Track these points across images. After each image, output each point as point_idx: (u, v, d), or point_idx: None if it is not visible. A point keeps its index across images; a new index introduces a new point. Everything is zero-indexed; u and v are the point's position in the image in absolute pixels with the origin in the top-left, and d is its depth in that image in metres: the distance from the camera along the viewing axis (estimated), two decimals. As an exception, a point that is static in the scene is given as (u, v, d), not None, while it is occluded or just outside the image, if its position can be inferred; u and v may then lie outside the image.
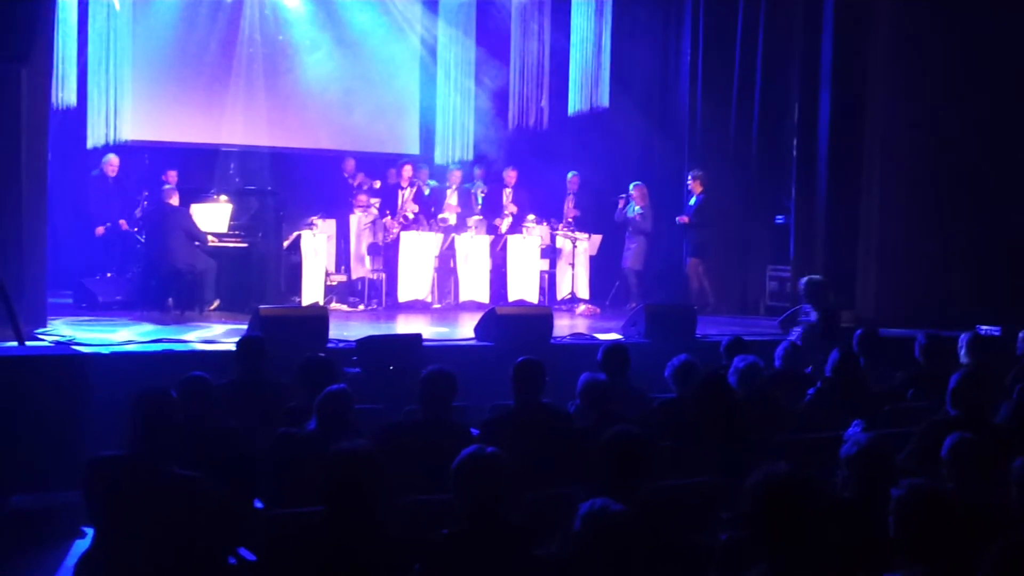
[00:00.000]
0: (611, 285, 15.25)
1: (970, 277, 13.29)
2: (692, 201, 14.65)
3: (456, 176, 15.24)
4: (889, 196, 13.54)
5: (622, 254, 15.04)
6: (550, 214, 15.12)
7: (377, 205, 14.43)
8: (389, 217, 14.17)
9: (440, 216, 14.56)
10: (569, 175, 15.42)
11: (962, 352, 8.56)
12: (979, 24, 13.12)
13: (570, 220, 15.03)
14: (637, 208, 14.78)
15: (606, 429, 4.84)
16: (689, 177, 14.76)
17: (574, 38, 16.08)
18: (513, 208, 14.91)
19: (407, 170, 14.57)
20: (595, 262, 15.10)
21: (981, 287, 13.13)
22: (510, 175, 15.23)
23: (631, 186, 14.88)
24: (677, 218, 14.76)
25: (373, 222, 14.23)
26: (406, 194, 14.43)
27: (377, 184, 15.00)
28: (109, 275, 13.23)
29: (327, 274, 13.79)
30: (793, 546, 3.68)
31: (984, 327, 11.16)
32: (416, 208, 14.33)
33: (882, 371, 8.55)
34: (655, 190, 15.27)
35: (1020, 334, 9.16)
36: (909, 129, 13.50)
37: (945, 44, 13.25)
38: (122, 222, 13.42)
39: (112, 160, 13.68)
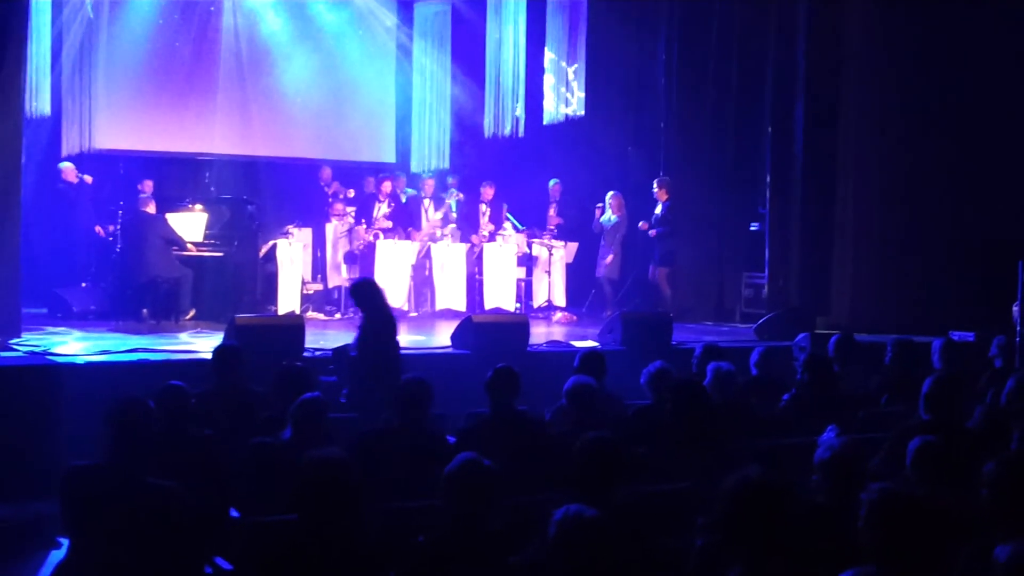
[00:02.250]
0: (588, 293, 15.25)
1: (944, 283, 13.40)
2: (658, 209, 14.50)
3: (430, 185, 15.23)
4: (863, 203, 13.64)
5: (596, 263, 14.92)
6: (528, 223, 15.13)
7: (353, 214, 14.41)
8: (364, 225, 14.15)
9: (424, 232, 14.54)
10: (551, 183, 15.41)
11: (935, 357, 8.64)
12: (953, 31, 13.23)
13: (552, 228, 15.01)
14: (613, 217, 14.72)
15: (583, 435, 4.86)
16: (655, 184, 14.58)
17: (549, 46, 16.11)
18: (490, 227, 14.86)
19: (386, 185, 14.49)
20: (572, 270, 15.12)
21: (955, 293, 13.23)
22: (487, 191, 15.17)
23: (608, 195, 14.83)
24: (640, 224, 14.59)
25: (349, 230, 14.21)
26: (382, 208, 14.38)
27: (351, 193, 14.98)
28: (84, 285, 13.18)
29: (303, 283, 13.76)
30: (766, 550, 3.71)
31: (957, 333, 11.24)
32: (390, 224, 14.26)
33: (856, 376, 8.60)
34: (631, 199, 15.30)
35: (995, 340, 9.25)
36: (883, 137, 13.61)
37: (918, 51, 13.37)
38: (98, 228, 13.37)
39: (67, 167, 13.61)
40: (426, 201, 15.07)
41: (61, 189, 13.56)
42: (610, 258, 14.68)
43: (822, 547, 4.24)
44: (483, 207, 15.07)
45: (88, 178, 13.73)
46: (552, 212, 15.26)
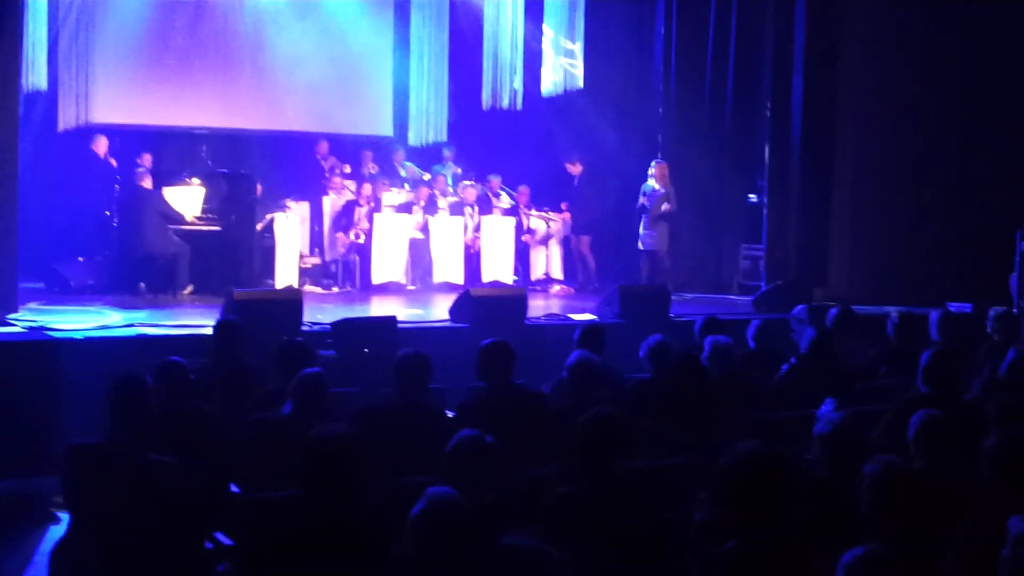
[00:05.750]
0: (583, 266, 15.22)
1: (941, 255, 13.40)
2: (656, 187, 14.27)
3: (471, 193, 14.85)
4: (861, 175, 13.63)
5: (639, 236, 14.30)
6: (534, 200, 15.08)
7: (352, 188, 14.38)
8: (365, 207, 14.02)
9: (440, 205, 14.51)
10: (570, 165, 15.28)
11: (933, 329, 8.64)
12: (954, 5, 13.18)
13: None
14: (658, 187, 14.17)
15: (585, 409, 4.86)
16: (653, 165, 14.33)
17: (548, 19, 16.04)
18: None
19: (367, 188, 14.27)
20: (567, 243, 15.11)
21: (952, 264, 13.24)
22: (494, 181, 15.19)
23: (652, 165, 14.35)
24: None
25: (347, 204, 14.13)
26: (363, 211, 14.18)
27: (347, 168, 14.94)
28: (81, 259, 13.15)
29: (301, 256, 13.75)
30: (766, 523, 3.72)
31: (954, 304, 11.24)
32: (366, 225, 14.01)
33: (854, 349, 8.60)
34: (630, 171, 15.28)
35: (990, 311, 9.25)
36: (881, 109, 13.59)
37: (919, 25, 13.34)
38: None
39: (101, 140, 13.65)
40: (450, 198, 14.94)
41: (83, 161, 13.55)
42: (656, 230, 14.10)
43: (822, 520, 4.26)
44: (496, 200, 15.01)
45: (113, 161, 13.72)
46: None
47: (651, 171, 14.33)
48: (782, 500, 3.79)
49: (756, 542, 3.73)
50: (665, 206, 14.05)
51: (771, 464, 3.83)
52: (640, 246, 14.27)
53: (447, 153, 15.83)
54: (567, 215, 15.03)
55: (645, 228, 14.17)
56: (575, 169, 15.02)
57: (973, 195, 13.38)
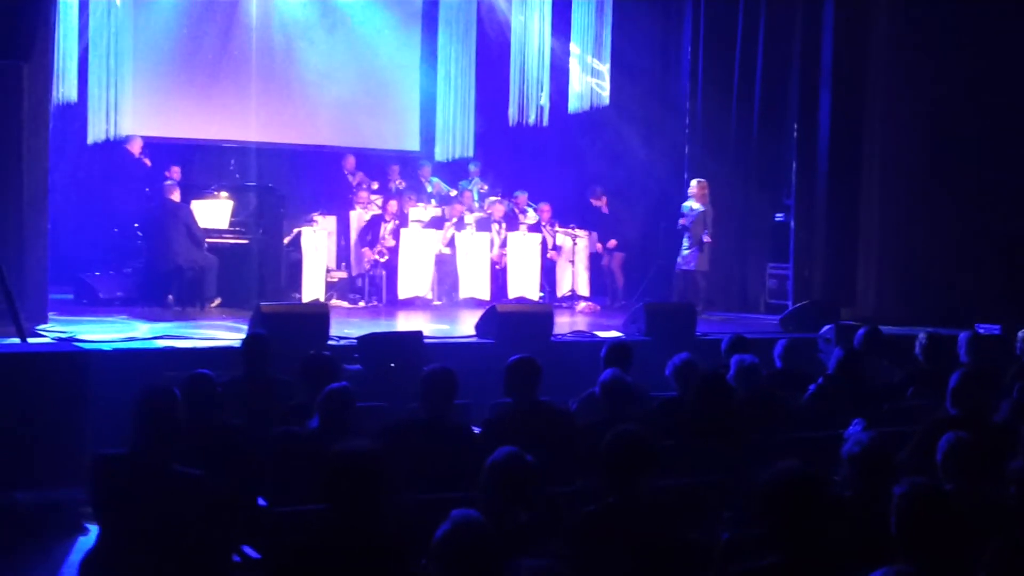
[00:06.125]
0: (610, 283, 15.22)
1: (970, 275, 13.33)
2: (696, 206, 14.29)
3: (498, 210, 14.82)
4: (889, 194, 13.58)
5: (680, 256, 14.27)
6: (556, 216, 15.09)
7: (379, 203, 14.41)
8: (391, 224, 14.03)
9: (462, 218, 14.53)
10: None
11: (962, 351, 8.58)
12: (981, 22, 13.14)
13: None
14: (697, 206, 14.17)
15: (612, 427, 4.86)
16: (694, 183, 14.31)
17: (574, 36, 16.09)
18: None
19: (392, 204, 14.29)
20: (594, 260, 15.11)
21: (981, 285, 13.17)
22: (521, 198, 15.19)
23: (693, 183, 14.33)
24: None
25: (374, 219, 14.15)
26: (388, 227, 14.12)
27: (375, 185, 15.00)
28: (110, 272, 13.23)
29: (327, 271, 13.79)
30: (803, 541, 3.71)
31: (983, 326, 11.18)
32: (392, 242, 13.97)
33: (882, 369, 8.56)
34: (656, 189, 15.27)
35: (1019, 333, 9.18)
36: (909, 127, 13.54)
37: (946, 42, 13.28)
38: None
39: (135, 140, 13.88)
40: (476, 214, 14.96)
41: (118, 160, 13.70)
42: (698, 249, 14.06)
43: (850, 540, 4.24)
44: (523, 216, 15.01)
45: (147, 161, 13.84)
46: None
47: (691, 190, 14.31)
48: (819, 518, 3.79)
49: (793, 559, 3.72)
50: (706, 239, 14.03)
51: (812, 484, 3.83)
52: (680, 266, 14.23)
53: (473, 169, 15.88)
54: (594, 233, 15.03)
55: (686, 248, 14.14)
56: (599, 203, 15.03)
57: (1004, 216, 13.31)
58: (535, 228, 14.81)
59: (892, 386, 8.14)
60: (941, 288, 13.29)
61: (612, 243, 14.94)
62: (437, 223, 14.40)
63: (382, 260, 13.87)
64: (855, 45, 13.61)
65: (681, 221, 14.19)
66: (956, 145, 13.41)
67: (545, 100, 16.26)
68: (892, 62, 13.54)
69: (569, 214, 15.24)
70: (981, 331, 10.31)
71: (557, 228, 14.91)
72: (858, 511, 4.53)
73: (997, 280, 13.07)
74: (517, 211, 15.06)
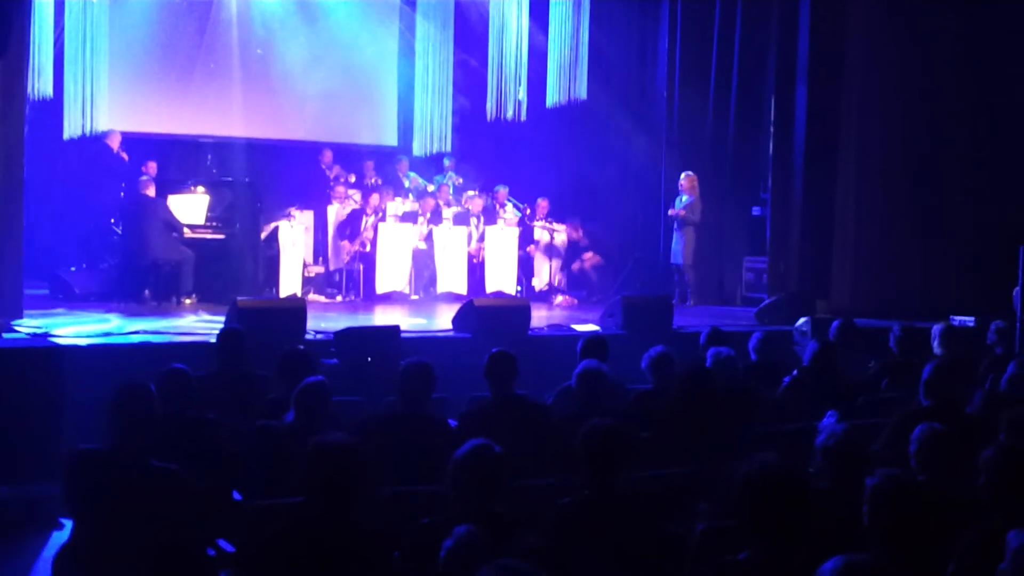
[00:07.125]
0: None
1: (944, 268, 13.39)
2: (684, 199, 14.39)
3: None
4: (864, 188, 13.62)
5: (671, 249, 14.54)
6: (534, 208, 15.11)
7: (357, 197, 14.40)
8: (372, 217, 14.03)
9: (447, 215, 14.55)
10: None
11: (935, 343, 8.65)
12: (957, 17, 13.19)
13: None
14: (685, 199, 14.32)
15: (588, 419, 4.87)
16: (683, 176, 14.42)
17: (552, 30, 16.09)
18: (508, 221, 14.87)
19: (374, 198, 14.31)
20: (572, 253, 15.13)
21: (955, 278, 13.23)
22: (501, 192, 15.20)
23: (682, 175, 14.44)
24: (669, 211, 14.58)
25: (353, 213, 14.14)
26: (369, 220, 14.17)
27: (352, 178, 14.98)
28: (84, 267, 13.18)
29: (304, 265, 13.77)
30: (780, 534, 3.73)
31: (957, 318, 11.25)
32: (371, 235, 14.00)
33: (857, 361, 8.61)
34: (633, 183, 15.27)
35: (992, 325, 9.25)
36: (885, 121, 13.58)
37: (922, 37, 13.33)
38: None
39: (114, 134, 13.82)
40: (453, 208, 14.98)
41: (96, 154, 13.65)
42: (684, 242, 14.28)
43: (825, 532, 4.26)
44: (501, 211, 15.03)
45: (125, 155, 13.78)
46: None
47: (681, 182, 14.43)
48: (798, 511, 3.80)
49: (770, 552, 3.74)
50: (682, 212, 14.18)
51: (791, 477, 3.84)
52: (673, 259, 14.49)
53: (448, 163, 15.89)
54: (577, 232, 15.04)
55: (676, 242, 14.39)
56: (576, 235, 15.09)
57: (978, 208, 13.37)
58: (523, 224, 14.82)
59: (867, 378, 8.19)
60: (916, 281, 13.35)
61: (588, 256, 14.97)
62: (414, 218, 14.41)
63: (365, 250, 13.86)
64: (831, 39, 13.63)
65: (671, 212, 14.37)
66: (933, 140, 13.47)
67: (523, 95, 16.25)
68: (868, 56, 13.57)
69: (550, 208, 15.23)
70: (955, 323, 10.37)
71: (536, 222, 14.91)
72: (832, 503, 4.55)
73: (972, 273, 13.13)
74: (497, 205, 15.07)
